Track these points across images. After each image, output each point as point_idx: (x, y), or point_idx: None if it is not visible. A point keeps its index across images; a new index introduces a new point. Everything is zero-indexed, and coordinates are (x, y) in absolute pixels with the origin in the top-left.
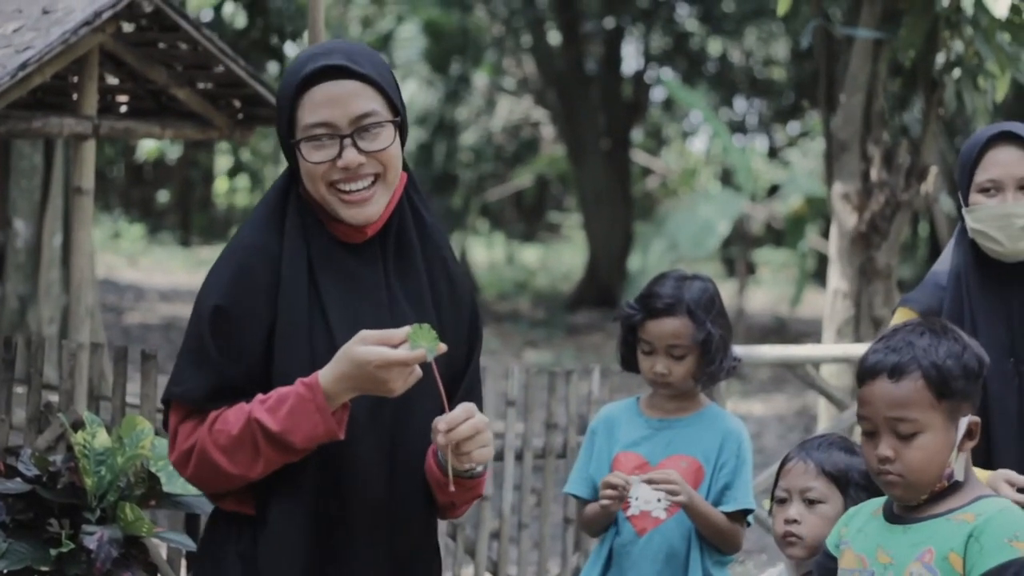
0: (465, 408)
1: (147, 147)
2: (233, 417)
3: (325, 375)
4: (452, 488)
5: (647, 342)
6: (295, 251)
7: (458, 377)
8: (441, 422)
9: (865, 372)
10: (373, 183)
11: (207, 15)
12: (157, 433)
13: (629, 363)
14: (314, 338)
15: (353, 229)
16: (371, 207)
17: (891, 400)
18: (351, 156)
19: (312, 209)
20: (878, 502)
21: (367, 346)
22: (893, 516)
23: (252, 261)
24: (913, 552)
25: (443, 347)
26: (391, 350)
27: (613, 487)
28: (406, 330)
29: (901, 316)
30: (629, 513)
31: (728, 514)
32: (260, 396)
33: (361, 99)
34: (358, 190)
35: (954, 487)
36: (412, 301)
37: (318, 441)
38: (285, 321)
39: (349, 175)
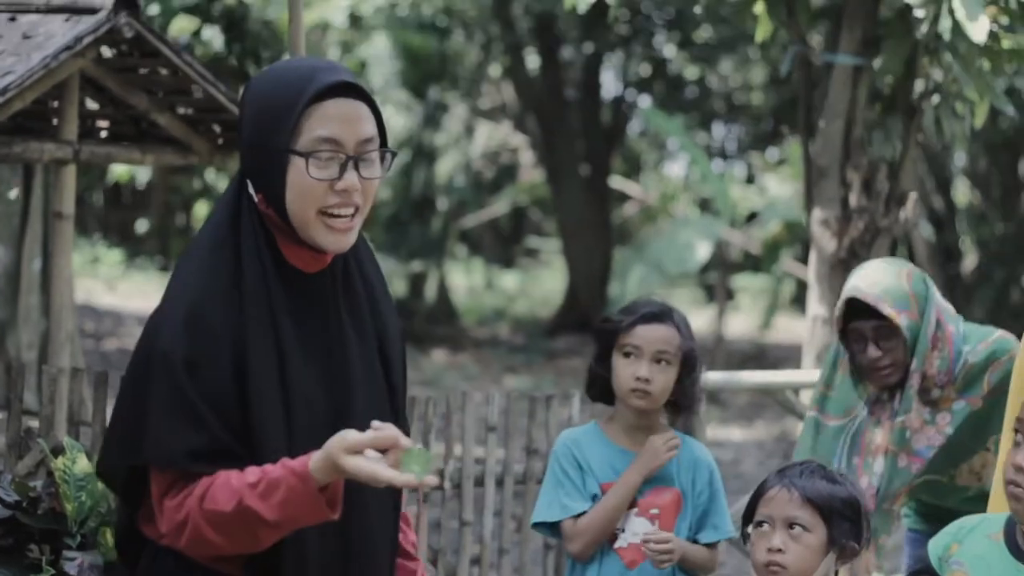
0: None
1: (118, 170)
2: (222, 496)
3: (315, 466)
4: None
5: (634, 346)
6: (256, 285)
7: (400, 412)
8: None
9: None
10: (354, 214)
11: (184, 40)
12: None
13: (598, 384)
14: (282, 380)
15: (312, 257)
16: (350, 236)
17: None
18: (352, 179)
19: (266, 229)
20: (993, 522)
21: (354, 458)
22: (1020, 552)
23: (208, 308)
24: None
25: (432, 480)
26: (380, 469)
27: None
28: (393, 435)
29: None
30: (617, 545)
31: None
32: (249, 478)
33: (367, 123)
34: (346, 216)
35: None
36: (358, 334)
37: (315, 523)
38: (256, 367)
39: (343, 200)
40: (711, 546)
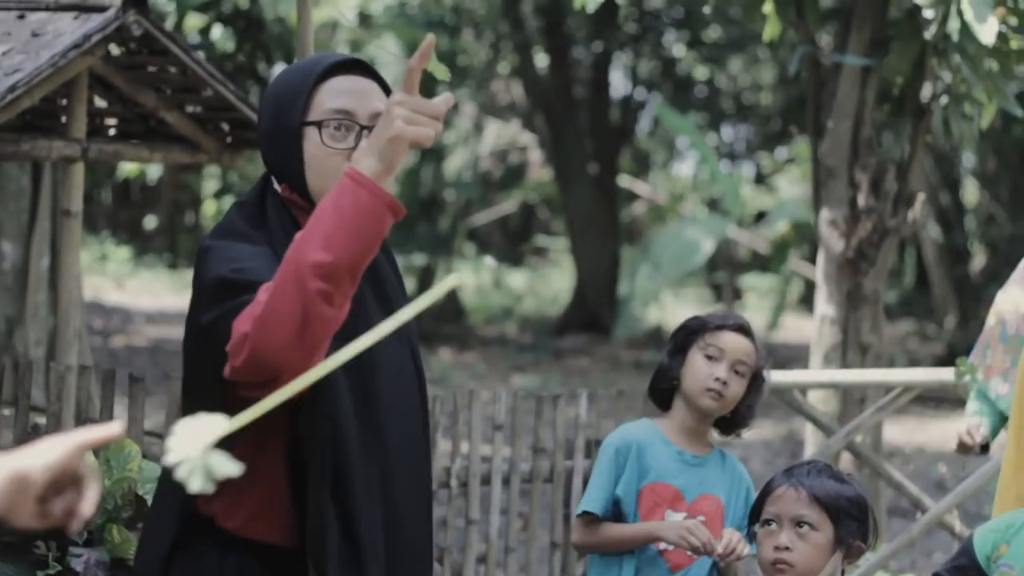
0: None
1: (128, 166)
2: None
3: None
4: None
5: (718, 348)
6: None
7: (424, 400)
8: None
9: None
10: None
11: (194, 38)
12: (145, 456)
13: (665, 382)
14: None
15: None
16: None
17: None
18: None
19: (294, 219)
20: None
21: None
22: None
23: (248, 246)
24: None
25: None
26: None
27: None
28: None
29: None
30: (662, 547)
31: None
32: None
33: (379, 97)
34: None
35: None
36: (381, 305)
37: (379, 218)
38: None
39: None
40: None
